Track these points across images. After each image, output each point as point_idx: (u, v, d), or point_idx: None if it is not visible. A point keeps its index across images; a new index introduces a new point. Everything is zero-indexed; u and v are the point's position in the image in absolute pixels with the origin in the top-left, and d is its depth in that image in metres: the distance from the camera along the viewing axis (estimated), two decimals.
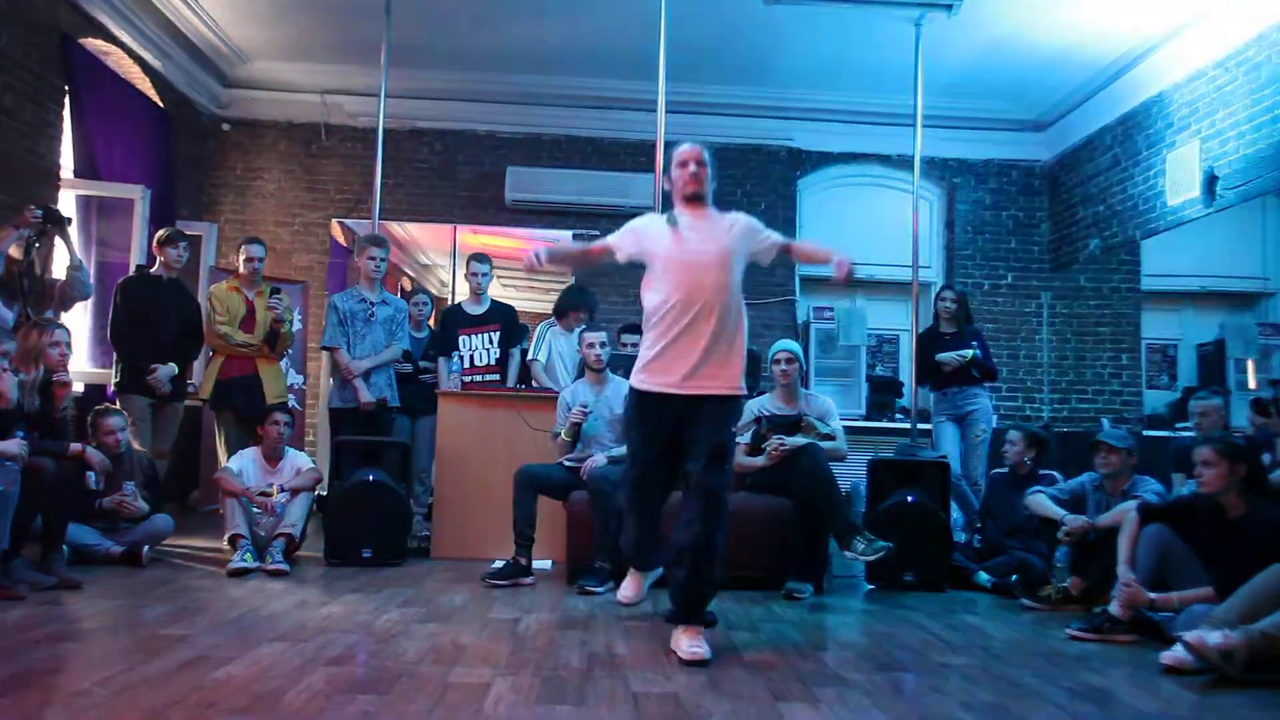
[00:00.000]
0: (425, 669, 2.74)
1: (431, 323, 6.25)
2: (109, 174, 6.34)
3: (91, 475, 4.42)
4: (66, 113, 6.02)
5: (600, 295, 6.97)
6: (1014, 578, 4.44)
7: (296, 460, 5.02)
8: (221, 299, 5.47)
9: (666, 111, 5.66)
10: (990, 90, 7.77)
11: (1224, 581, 3.32)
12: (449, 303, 7.33)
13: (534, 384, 5.52)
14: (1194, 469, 3.63)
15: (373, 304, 5.36)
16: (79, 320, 5.91)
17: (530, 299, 7.89)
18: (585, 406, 4.63)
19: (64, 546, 4.18)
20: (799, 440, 4.52)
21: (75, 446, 4.28)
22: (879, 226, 8.25)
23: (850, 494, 5.18)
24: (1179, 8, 6.25)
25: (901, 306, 7.10)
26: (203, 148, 8.05)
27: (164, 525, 4.77)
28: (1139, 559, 3.64)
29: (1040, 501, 4.44)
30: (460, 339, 5.66)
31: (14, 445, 3.75)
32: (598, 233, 8.02)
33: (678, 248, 3.21)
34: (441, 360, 5.53)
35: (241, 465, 4.89)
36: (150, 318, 5.23)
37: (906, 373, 7.58)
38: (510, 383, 5.54)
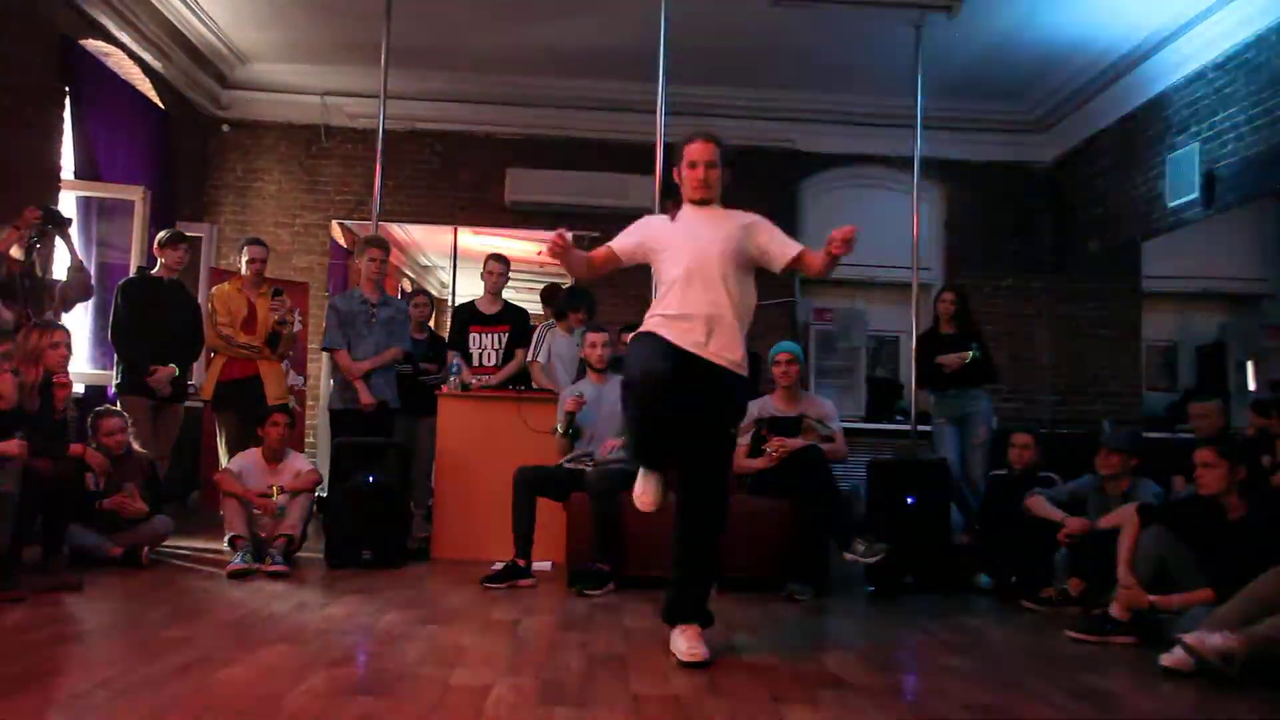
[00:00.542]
0: (425, 671, 2.74)
1: (432, 324, 6.25)
2: (109, 175, 6.34)
3: (92, 476, 4.42)
4: (67, 114, 6.02)
5: (600, 295, 6.97)
6: (1014, 579, 4.45)
7: (296, 462, 5.02)
8: (223, 300, 5.47)
9: (666, 113, 5.67)
10: (990, 92, 7.77)
11: (1223, 583, 3.32)
12: (449, 304, 7.34)
13: (534, 385, 5.52)
14: (1193, 471, 3.63)
15: (373, 305, 5.36)
16: (80, 321, 5.91)
17: (530, 301, 7.90)
18: (580, 397, 4.64)
19: (64, 547, 4.19)
20: (799, 442, 4.52)
21: (76, 447, 4.28)
22: (879, 228, 8.16)
23: (850, 495, 5.18)
24: (1178, 10, 6.26)
25: (902, 308, 7.09)
26: (203, 149, 8.05)
27: (164, 526, 4.77)
28: (1138, 561, 3.64)
29: (1040, 504, 4.44)
30: (471, 335, 5.66)
31: (14, 446, 3.75)
32: (598, 235, 8.03)
33: (684, 232, 3.13)
34: (450, 354, 5.53)
35: (242, 466, 4.89)
36: (151, 319, 5.24)
37: (907, 374, 7.57)
38: (498, 382, 5.54)
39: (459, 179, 8.22)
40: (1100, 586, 3.94)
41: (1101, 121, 7.60)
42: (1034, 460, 4.86)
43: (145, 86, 7.03)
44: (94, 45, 6.37)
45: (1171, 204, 6.68)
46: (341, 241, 8.13)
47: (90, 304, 5.82)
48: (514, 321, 5.75)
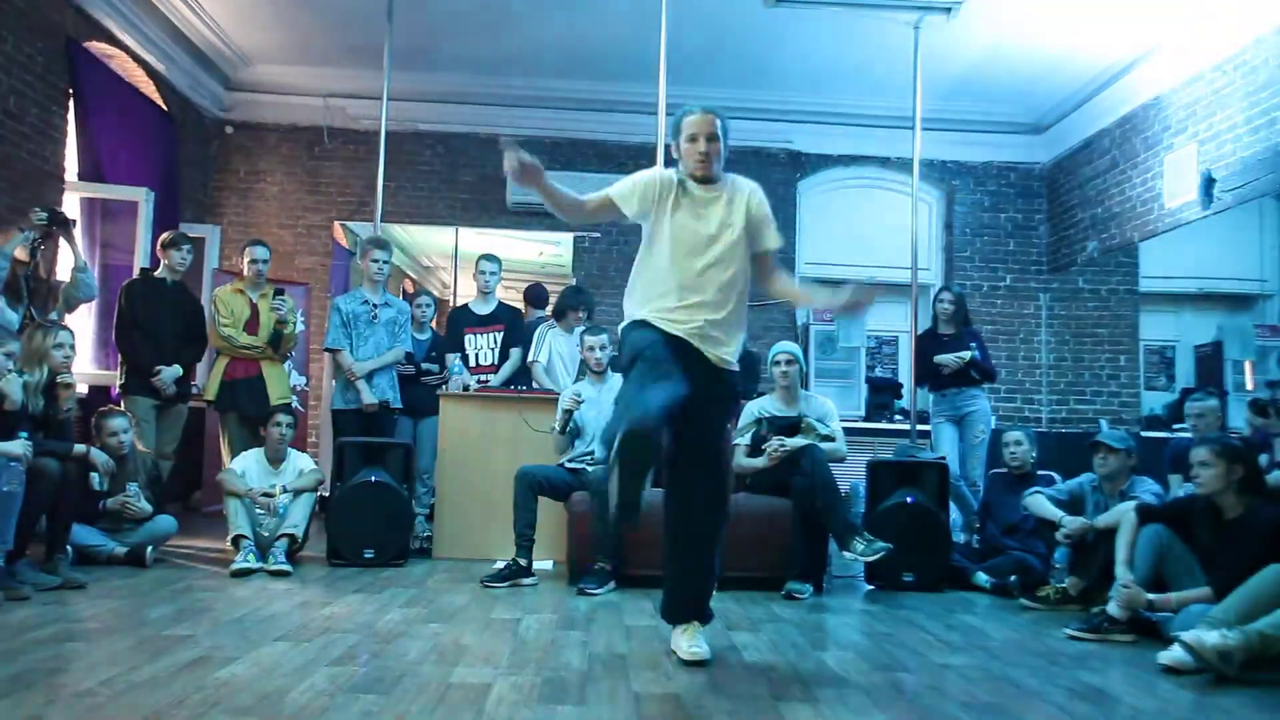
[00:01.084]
0: (427, 669, 2.74)
1: (434, 325, 6.25)
2: (113, 177, 6.35)
3: (95, 476, 4.42)
4: (71, 116, 6.03)
5: (600, 295, 6.97)
6: (1013, 578, 4.44)
7: (299, 461, 5.02)
8: (225, 301, 5.48)
9: (667, 114, 5.67)
10: (989, 93, 7.77)
11: (1221, 582, 3.33)
12: (451, 304, 7.34)
13: (535, 385, 5.52)
14: (1191, 470, 3.63)
15: (375, 306, 5.37)
16: (83, 322, 5.92)
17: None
18: (578, 395, 4.64)
19: (68, 547, 4.19)
20: (799, 441, 4.53)
21: (79, 448, 4.28)
22: (878, 228, 8.28)
23: (850, 495, 5.18)
24: (1177, 12, 6.26)
25: (900, 308, 7.10)
26: (206, 150, 8.06)
27: (167, 526, 4.77)
28: (1137, 560, 3.65)
29: (1038, 502, 4.44)
30: (466, 338, 5.67)
31: (18, 446, 3.75)
32: (598, 235, 8.10)
33: (688, 215, 2.98)
34: (448, 357, 5.54)
35: (244, 466, 4.89)
36: (154, 320, 5.24)
37: (906, 374, 7.58)
38: (498, 382, 5.54)
39: (460, 180, 8.22)
40: (1099, 585, 3.94)
41: (1099, 123, 7.60)
42: (1028, 458, 4.86)
43: (149, 89, 7.03)
44: (98, 48, 6.38)
45: (1169, 205, 6.68)
46: (344, 242, 8.13)
47: (94, 305, 5.82)
48: (508, 321, 5.76)
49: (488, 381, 5.54)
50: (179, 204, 7.28)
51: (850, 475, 5.76)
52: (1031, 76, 7.43)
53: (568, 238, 8.12)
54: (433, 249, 9.08)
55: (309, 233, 8.16)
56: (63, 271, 5.28)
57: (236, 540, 4.56)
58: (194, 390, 5.71)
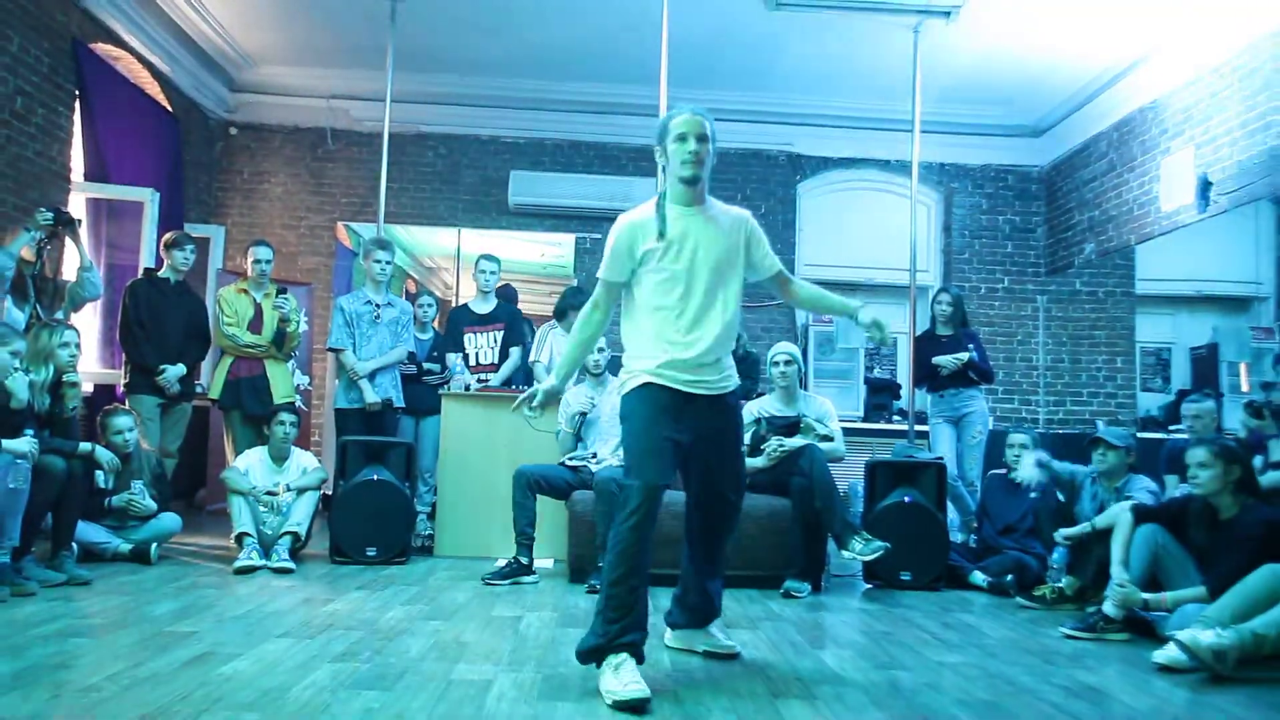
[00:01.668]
0: (429, 665, 2.75)
1: (436, 325, 6.26)
2: (119, 177, 6.35)
3: (100, 474, 4.43)
4: (77, 116, 6.04)
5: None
6: (1009, 577, 4.45)
7: (302, 459, 5.03)
8: (229, 301, 5.49)
9: None
10: (987, 96, 7.78)
11: (1216, 581, 3.33)
12: (453, 304, 7.34)
13: (537, 384, 5.51)
14: (1188, 471, 3.64)
15: (378, 306, 5.38)
16: (89, 321, 5.92)
17: (532, 301, 7.90)
18: (591, 398, 4.67)
19: (73, 544, 4.19)
20: (798, 441, 4.53)
21: (84, 446, 4.29)
22: (877, 230, 8.29)
23: (848, 494, 5.19)
24: (1174, 16, 6.26)
25: (899, 309, 7.10)
26: (211, 151, 8.07)
27: (172, 523, 4.78)
28: (1132, 559, 3.65)
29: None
30: (466, 337, 5.67)
31: (24, 444, 3.76)
32: (600, 236, 8.09)
33: (679, 243, 2.81)
34: (449, 356, 5.55)
35: (248, 464, 4.90)
36: (158, 320, 5.24)
37: (904, 375, 7.58)
38: (498, 381, 5.54)
39: (463, 181, 8.23)
40: (1095, 585, 3.94)
41: (1097, 126, 7.60)
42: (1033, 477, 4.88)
43: (154, 90, 7.04)
44: (104, 49, 6.38)
45: (1166, 208, 6.68)
46: (347, 243, 8.13)
47: (99, 304, 5.83)
48: (508, 320, 5.76)
49: (488, 381, 5.54)
50: (184, 204, 7.28)
51: (849, 475, 5.78)
52: (1029, 80, 7.43)
53: (569, 239, 8.12)
54: (435, 250, 9.08)
55: (312, 233, 8.17)
56: (69, 271, 5.28)
57: (240, 538, 4.57)
58: (198, 389, 5.72)
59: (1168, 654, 3.04)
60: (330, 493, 5.07)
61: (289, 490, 4.83)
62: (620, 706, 2.39)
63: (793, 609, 4.00)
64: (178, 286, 5.39)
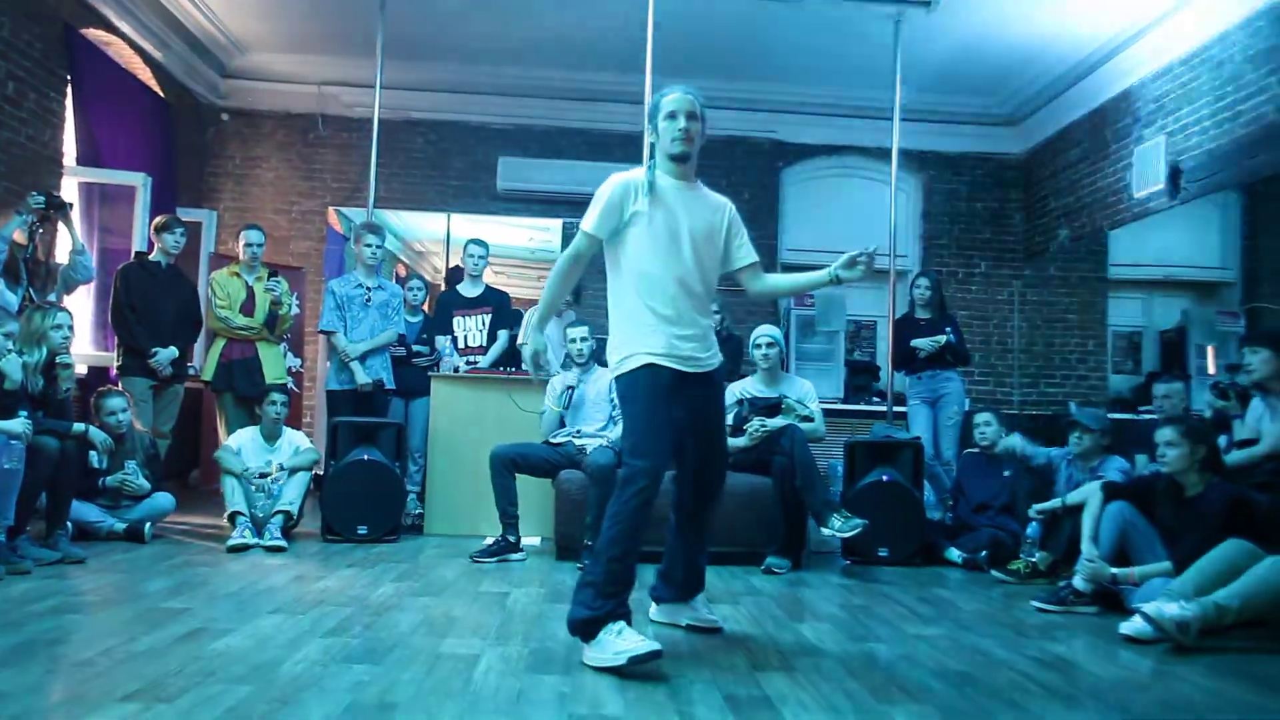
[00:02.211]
0: (418, 640, 2.75)
1: (426, 308, 6.23)
2: (111, 162, 6.28)
3: (94, 454, 4.40)
4: (69, 101, 5.96)
5: (586, 280, 6.94)
6: (983, 553, 4.49)
7: (294, 439, 5.02)
8: (222, 284, 5.45)
9: None
10: (966, 85, 7.78)
11: (1181, 556, 3.37)
12: (442, 288, 7.31)
13: (524, 367, 5.51)
14: (1157, 450, 3.67)
15: (369, 289, 5.35)
16: (82, 304, 5.87)
17: (520, 285, 7.89)
18: (573, 378, 4.69)
19: (68, 523, 4.17)
20: (779, 422, 4.54)
21: (78, 427, 4.26)
22: (858, 216, 8.27)
23: (828, 473, 5.21)
24: (1146, 7, 6.27)
25: (879, 293, 7.11)
26: (203, 137, 7.98)
27: (165, 503, 4.76)
28: (1102, 535, 3.69)
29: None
30: (455, 319, 5.66)
31: (18, 425, 3.73)
32: None
33: (667, 217, 2.80)
34: (438, 339, 5.53)
35: (240, 443, 4.88)
36: (149, 303, 5.21)
37: (883, 357, 7.60)
38: (488, 362, 5.53)
39: (452, 167, 8.18)
40: (1066, 559, 3.98)
41: (1072, 115, 7.62)
42: (996, 438, 4.91)
43: (146, 75, 6.96)
44: (95, 35, 6.30)
45: (1138, 195, 6.71)
46: (338, 227, 8.08)
47: (92, 287, 5.78)
48: (496, 303, 5.75)
49: (476, 363, 5.53)
50: (176, 189, 7.21)
51: (829, 454, 5.79)
52: (1007, 69, 7.44)
53: (556, 224, 8.09)
54: (424, 234, 9.04)
55: (304, 218, 8.11)
56: (61, 254, 5.23)
57: (232, 517, 4.57)
58: (191, 371, 5.68)
59: (1134, 626, 3.08)
60: (322, 473, 5.06)
61: (282, 470, 4.82)
62: (638, 660, 2.43)
63: (773, 584, 4.02)
64: (169, 270, 5.34)
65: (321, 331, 5.46)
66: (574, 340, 4.79)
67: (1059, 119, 7.78)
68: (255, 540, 4.43)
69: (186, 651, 2.51)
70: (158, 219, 5.41)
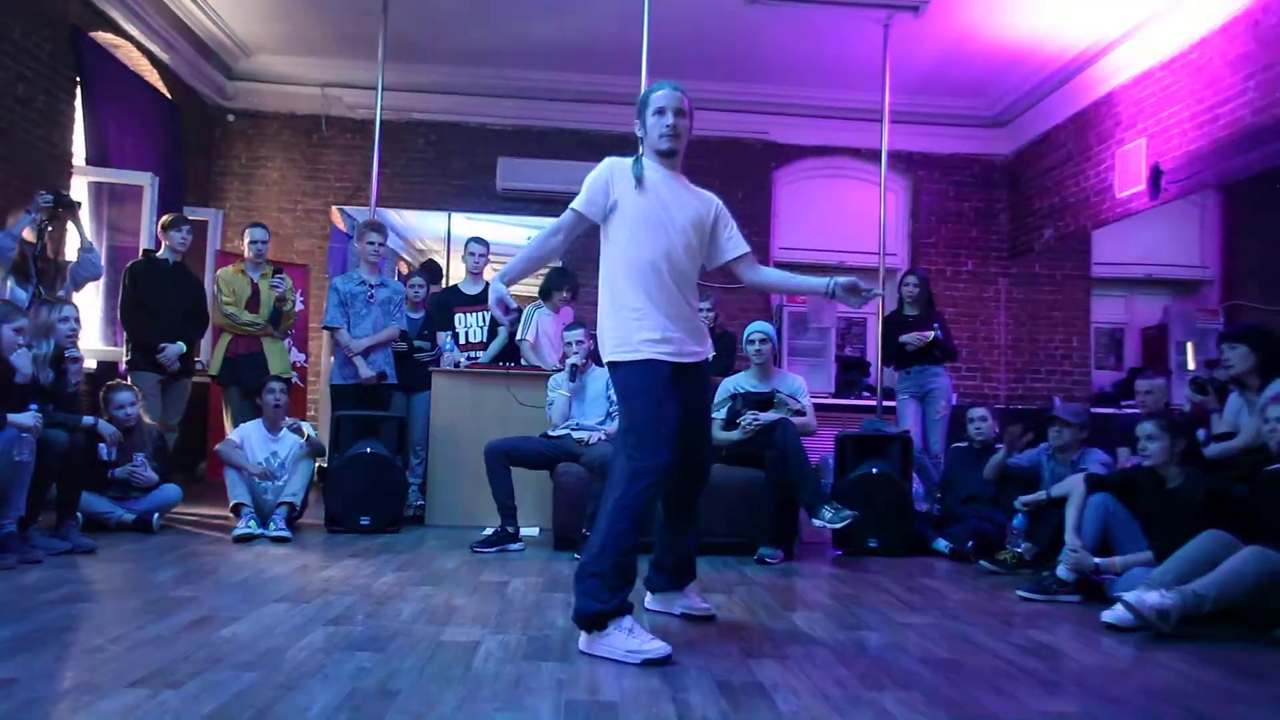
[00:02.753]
0: (419, 628, 2.75)
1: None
2: (120, 162, 6.26)
3: (103, 447, 4.40)
4: (78, 103, 5.94)
5: (584, 277, 6.94)
6: (970, 544, 4.49)
7: (294, 437, 5.02)
8: (228, 281, 5.44)
9: None
10: (953, 88, 7.78)
11: (1162, 546, 3.38)
12: (443, 285, 7.30)
13: (523, 362, 5.51)
14: (1138, 443, 3.68)
15: (372, 286, 5.34)
16: (91, 301, 5.86)
17: (520, 283, 7.88)
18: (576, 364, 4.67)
19: (78, 514, 4.17)
20: (771, 416, 4.54)
21: (87, 420, 4.25)
22: (848, 215, 8.30)
23: (819, 466, 5.22)
24: (1129, 14, 6.28)
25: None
26: (209, 137, 7.96)
27: (173, 494, 4.75)
28: (1085, 526, 3.69)
29: (995, 463, 4.55)
30: (456, 316, 5.65)
31: (29, 418, 3.72)
32: None
33: (657, 208, 2.77)
34: (440, 335, 5.53)
35: (243, 435, 4.88)
36: (157, 299, 5.20)
37: (873, 353, 7.61)
38: (488, 357, 5.53)
39: (452, 167, 8.17)
40: (1050, 550, 3.99)
41: (1056, 117, 7.62)
42: (991, 431, 4.92)
43: (153, 78, 6.93)
44: (104, 38, 6.27)
45: (1120, 195, 6.72)
46: (341, 226, 8.07)
47: (101, 284, 5.76)
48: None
49: (477, 358, 5.53)
50: (183, 188, 7.19)
51: (820, 447, 5.80)
52: (994, 73, 7.44)
53: (555, 222, 8.08)
54: (426, 233, 9.02)
55: (308, 216, 8.09)
56: (70, 252, 5.22)
57: (236, 508, 4.55)
58: (198, 366, 5.67)
59: (1116, 614, 3.08)
60: (326, 465, 5.06)
61: (283, 467, 4.80)
62: (651, 663, 2.44)
63: (766, 574, 4.02)
64: (176, 267, 5.33)
65: (325, 328, 5.45)
66: (569, 343, 4.76)
67: (1044, 121, 7.79)
68: (260, 530, 4.42)
69: (193, 639, 2.51)
70: (164, 218, 5.40)
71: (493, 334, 5.65)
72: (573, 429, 4.63)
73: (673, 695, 2.19)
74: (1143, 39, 6.40)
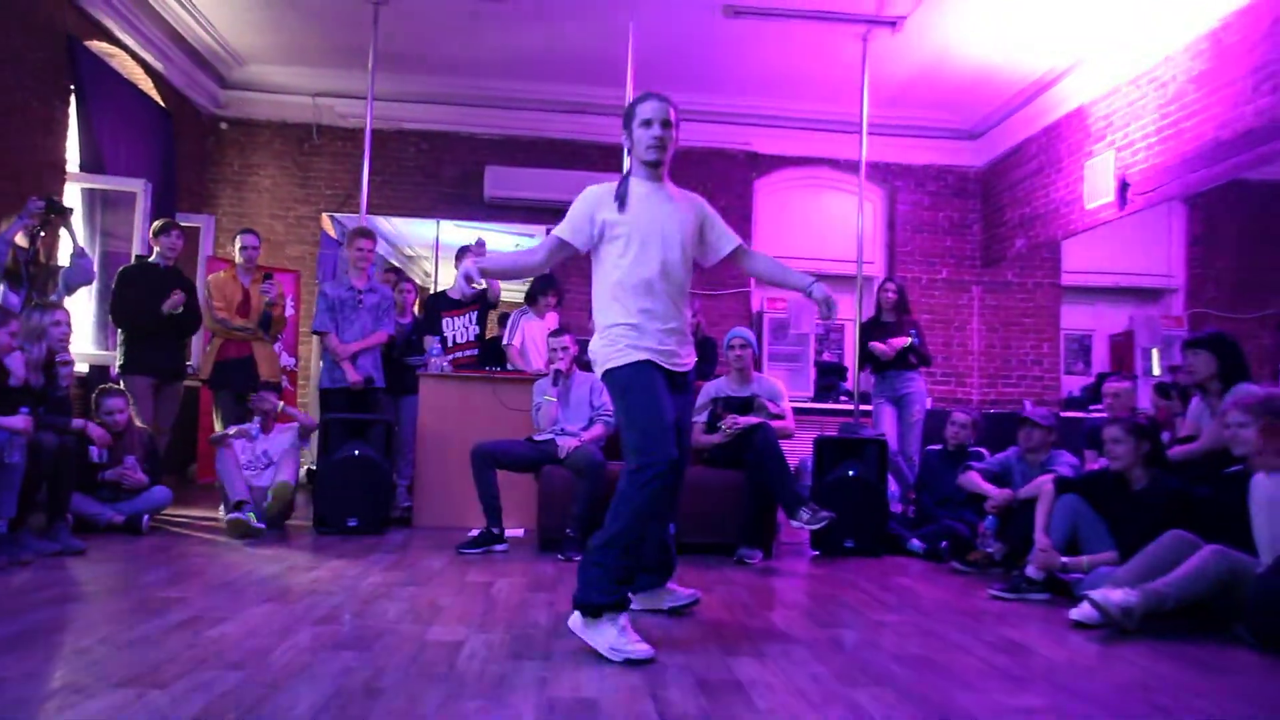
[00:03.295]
0: (405, 627, 2.74)
1: (416, 310, 6.21)
2: (114, 168, 6.21)
3: (94, 449, 4.36)
4: (73, 110, 5.89)
5: (570, 283, 6.95)
6: (943, 544, 4.51)
7: (287, 430, 5.01)
8: (219, 287, 5.41)
9: None
10: (929, 101, 7.83)
11: (1126, 546, 3.41)
12: (432, 291, 7.28)
13: (509, 366, 5.50)
14: (1105, 446, 3.71)
15: (361, 292, 5.32)
16: (84, 306, 5.81)
17: (506, 289, 7.86)
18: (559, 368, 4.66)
19: (68, 515, 4.11)
20: (751, 419, 4.55)
21: (77, 422, 4.22)
22: (827, 224, 8.34)
23: (798, 468, 5.23)
24: (1097, 30, 6.34)
25: (847, 298, 7.15)
26: (202, 145, 7.91)
27: (163, 496, 4.71)
28: (1053, 526, 3.72)
29: (971, 480, 4.51)
30: (444, 320, 5.64)
31: (20, 420, 3.68)
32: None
33: (645, 219, 2.77)
34: (427, 339, 5.51)
35: (236, 430, 4.90)
36: (149, 304, 5.15)
37: (851, 358, 7.64)
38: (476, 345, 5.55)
39: (441, 175, 8.14)
40: (1020, 549, 4.01)
41: (1028, 130, 7.69)
42: (968, 438, 4.93)
43: (147, 86, 6.88)
44: (98, 46, 6.22)
45: (1089, 206, 6.78)
46: (331, 232, 8.03)
47: (93, 289, 5.71)
48: (479, 301, 5.71)
49: (466, 355, 5.52)
50: (176, 195, 7.14)
51: (799, 450, 5.81)
52: (968, 87, 7.49)
53: (542, 229, 8.07)
54: (415, 240, 9.00)
55: (299, 223, 8.05)
56: (62, 257, 5.17)
57: (239, 505, 4.51)
58: (190, 370, 5.62)
59: (1082, 611, 3.11)
60: (314, 467, 5.03)
61: (271, 466, 4.80)
62: (633, 663, 2.45)
63: (745, 574, 4.03)
64: (168, 272, 5.29)
65: (315, 332, 5.42)
66: (554, 349, 4.74)
67: (1016, 134, 7.85)
68: (260, 525, 4.45)
69: (181, 639, 2.48)
70: (156, 223, 5.37)
71: (479, 334, 5.64)
72: (557, 434, 4.62)
73: (653, 693, 2.19)
74: (1111, 55, 6.47)
